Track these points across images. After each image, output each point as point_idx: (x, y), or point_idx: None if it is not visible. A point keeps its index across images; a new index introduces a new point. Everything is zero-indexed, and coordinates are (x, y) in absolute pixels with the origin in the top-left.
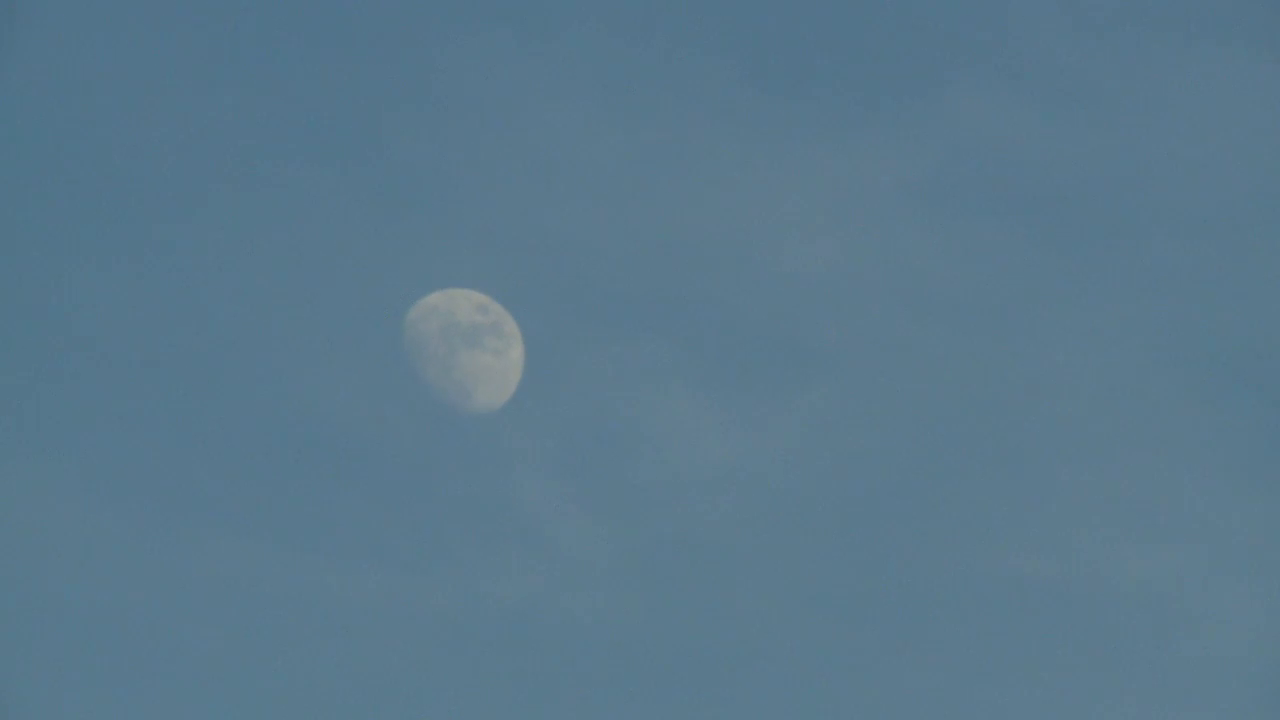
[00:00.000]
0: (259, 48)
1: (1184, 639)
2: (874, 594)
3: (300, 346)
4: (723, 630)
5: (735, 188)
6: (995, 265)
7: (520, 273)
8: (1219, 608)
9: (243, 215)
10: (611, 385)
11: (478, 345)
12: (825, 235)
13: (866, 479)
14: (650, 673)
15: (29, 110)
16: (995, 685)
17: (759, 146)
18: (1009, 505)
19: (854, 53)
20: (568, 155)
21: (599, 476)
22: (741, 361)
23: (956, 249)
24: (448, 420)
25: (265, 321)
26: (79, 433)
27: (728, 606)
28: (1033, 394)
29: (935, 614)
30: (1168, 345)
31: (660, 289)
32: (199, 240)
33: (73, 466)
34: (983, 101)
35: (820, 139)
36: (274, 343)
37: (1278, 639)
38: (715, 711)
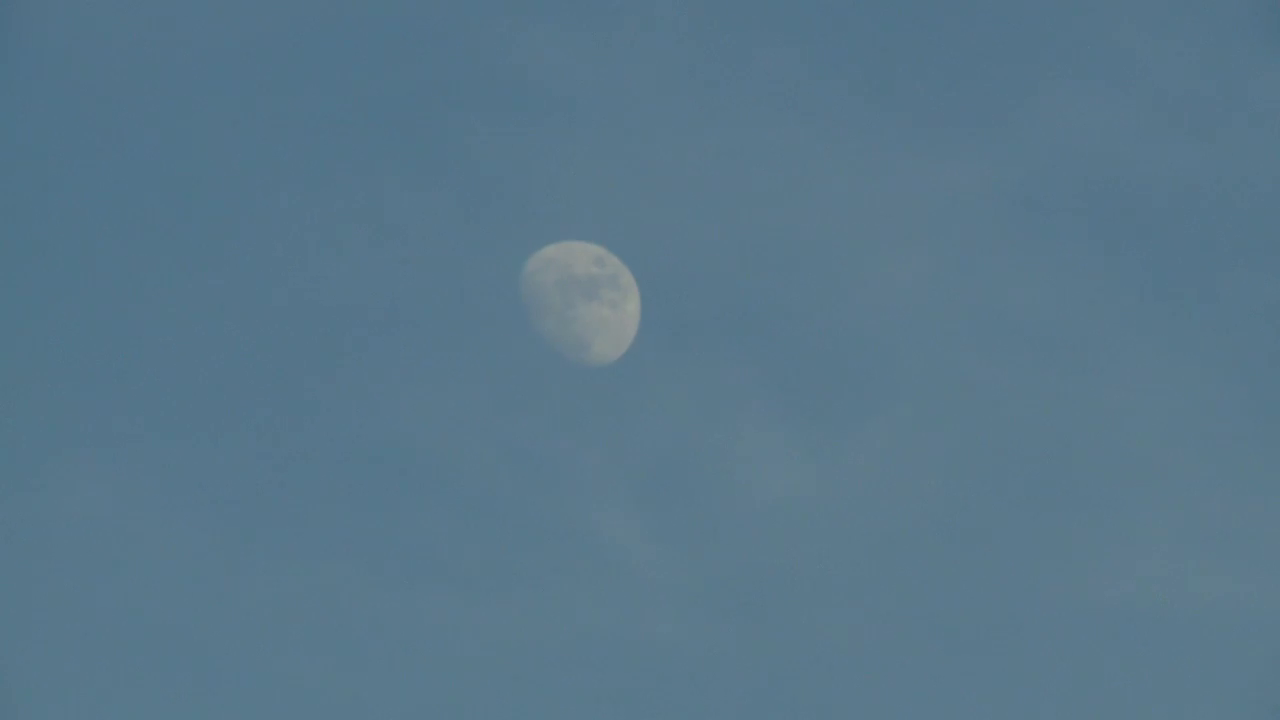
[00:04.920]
0: (348, 46)
1: (1261, 663)
2: (949, 622)
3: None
4: (799, 658)
5: (818, 193)
6: (1080, 288)
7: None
8: None
9: (338, 209)
10: (689, 409)
11: (594, 298)
12: (909, 251)
13: (943, 508)
14: (727, 700)
15: (109, 108)
16: (1071, 712)
17: (844, 150)
18: (1085, 534)
19: (942, 52)
20: (644, 158)
21: (676, 503)
22: (819, 385)
23: (1042, 270)
24: (531, 446)
25: (358, 322)
26: (155, 442)
27: (804, 634)
28: (1111, 424)
29: (1012, 641)
30: (1250, 375)
31: (739, 305)
32: (289, 237)
33: (146, 478)
34: (1076, 107)
35: (907, 143)
36: (368, 344)
37: None
38: None
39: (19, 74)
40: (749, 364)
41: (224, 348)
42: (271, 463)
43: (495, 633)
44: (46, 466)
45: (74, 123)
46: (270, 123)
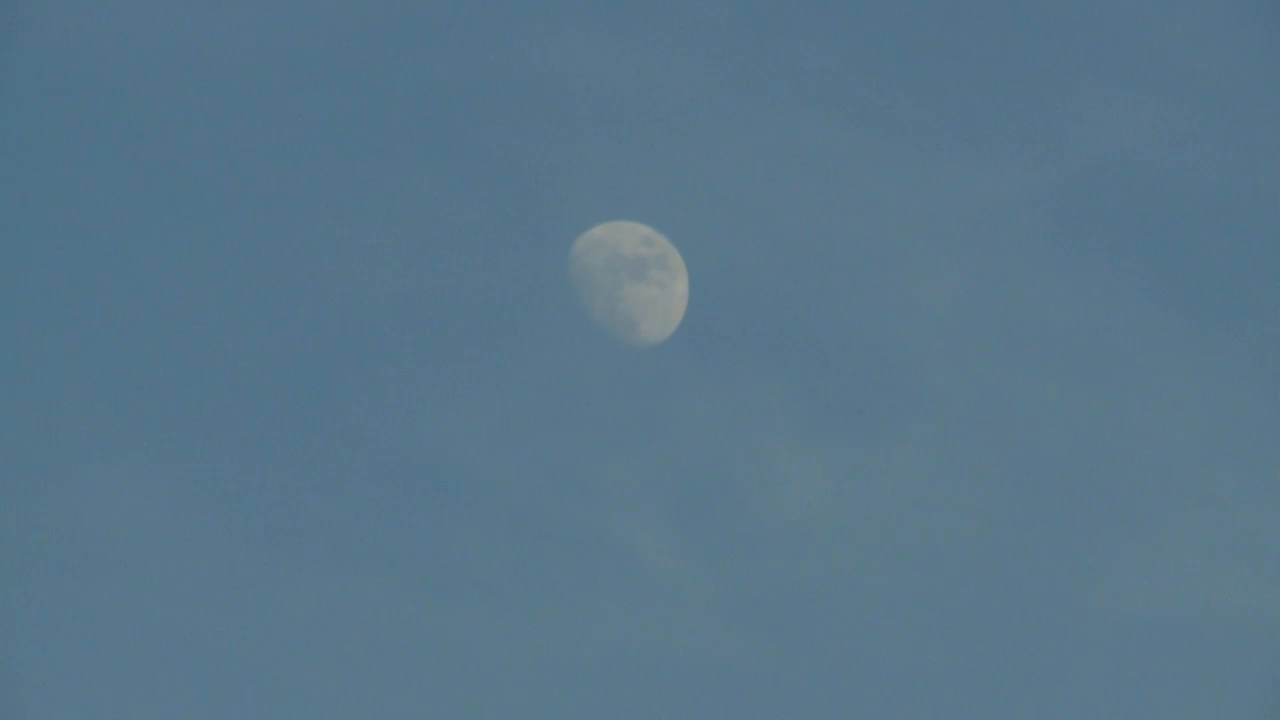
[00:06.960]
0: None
1: None
2: (979, 637)
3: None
4: (829, 673)
5: (856, 199)
6: (1118, 300)
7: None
8: None
9: (375, 211)
10: (720, 422)
11: (642, 278)
12: (944, 260)
13: (975, 522)
14: (756, 715)
15: (144, 111)
16: None
17: (881, 153)
18: (1118, 549)
19: (982, 57)
20: (672, 160)
21: (706, 517)
22: (851, 398)
23: (1079, 282)
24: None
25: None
26: (188, 450)
27: (834, 649)
28: (1146, 438)
29: (1043, 656)
30: None
31: (771, 314)
32: (324, 239)
33: (179, 487)
34: (1119, 115)
35: (945, 147)
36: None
37: None
38: None
39: (48, 70)
40: (781, 375)
41: (256, 354)
42: (302, 472)
43: (524, 646)
44: (77, 475)
45: (105, 124)
46: (304, 123)
